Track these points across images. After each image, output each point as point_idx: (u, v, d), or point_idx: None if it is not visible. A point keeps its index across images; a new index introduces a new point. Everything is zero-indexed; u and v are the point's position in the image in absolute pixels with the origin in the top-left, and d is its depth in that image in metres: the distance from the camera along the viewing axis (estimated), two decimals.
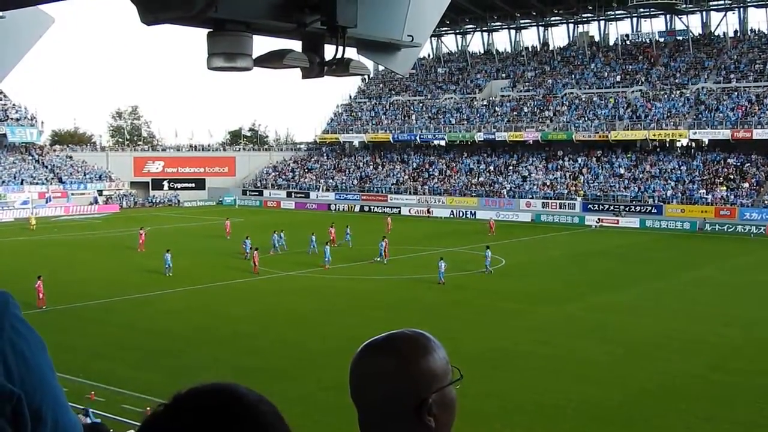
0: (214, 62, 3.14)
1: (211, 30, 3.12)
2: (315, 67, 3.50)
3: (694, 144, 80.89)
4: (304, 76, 3.55)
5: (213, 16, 2.99)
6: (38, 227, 67.83)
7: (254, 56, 3.25)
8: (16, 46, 5.70)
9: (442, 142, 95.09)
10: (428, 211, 79.78)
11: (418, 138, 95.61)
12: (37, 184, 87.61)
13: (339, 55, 3.48)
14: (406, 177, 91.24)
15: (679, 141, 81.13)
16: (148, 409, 20.60)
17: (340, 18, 3.29)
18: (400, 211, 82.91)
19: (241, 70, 3.17)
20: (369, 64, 4.52)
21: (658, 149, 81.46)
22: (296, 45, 3.52)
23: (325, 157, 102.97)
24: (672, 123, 78.98)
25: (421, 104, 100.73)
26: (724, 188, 70.60)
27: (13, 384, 1.40)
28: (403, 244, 53.99)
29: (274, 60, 3.31)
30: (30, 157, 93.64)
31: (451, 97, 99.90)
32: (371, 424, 1.69)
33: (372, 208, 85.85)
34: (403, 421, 1.66)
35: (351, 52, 3.70)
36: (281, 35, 3.47)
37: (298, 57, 3.37)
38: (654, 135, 79.53)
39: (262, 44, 3.34)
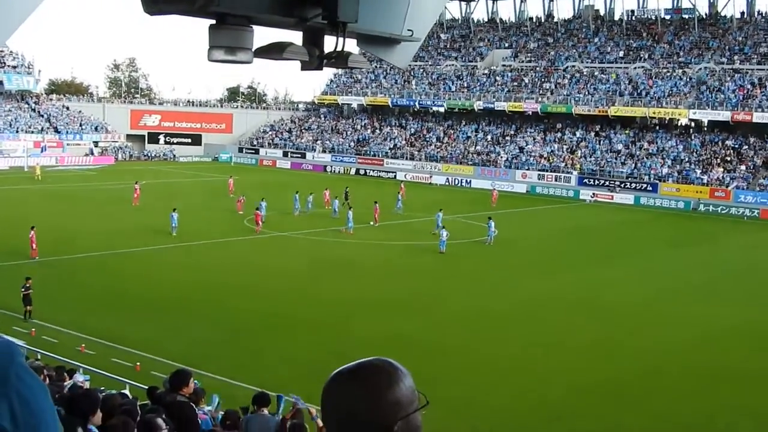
0: (215, 55, 3.18)
1: (213, 23, 3.16)
2: (314, 59, 3.54)
3: (693, 124, 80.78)
4: (303, 68, 3.60)
5: (215, 9, 3.03)
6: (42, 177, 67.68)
7: (254, 48, 3.29)
8: (21, 6, 5.69)
9: (441, 109, 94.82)
10: (430, 178, 79.56)
11: (417, 103, 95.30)
12: (32, 132, 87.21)
13: (339, 49, 3.52)
14: (404, 142, 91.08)
15: (678, 120, 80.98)
16: (138, 364, 20.81)
17: (341, 13, 3.32)
18: (395, 175, 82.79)
19: (242, 63, 3.22)
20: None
21: (657, 127, 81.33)
22: (297, 36, 3.56)
23: (323, 119, 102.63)
24: (672, 102, 78.77)
25: (421, 70, 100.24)
26: (721, 169, 70.65)
27: (18, 429, 1.52)
28: (404, 209, 54.16)
29: (274, 52, 3.35)
30: (26, 106, 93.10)
31: (453, 65, 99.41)
32: None
33: (368, 171, 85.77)
34: None
35: (351, 44, 3.74)
36: (282, 27, 3.51)
37: (298, 50, 3.42)
38: (654, 113, 79.34)
39: (263, 35, 3.38)
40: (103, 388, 13.78)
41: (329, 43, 3.58)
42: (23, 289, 25.66)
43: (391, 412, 1.77)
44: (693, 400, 20.72)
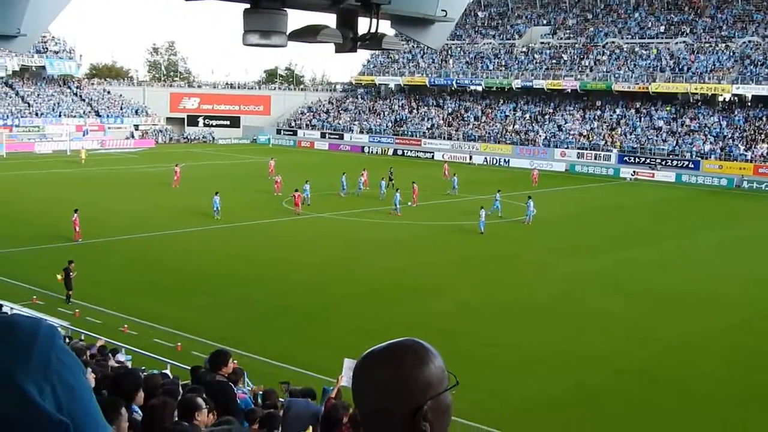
0: (250, 39, 3.20)
1: (248, 7, 3.18)
2: (348, 42, 3.54)
3: (736, 99, 79.33)
4: (338, 51, 3.61)
5: None
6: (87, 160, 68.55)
7: (289, 31, 3.30)
8: None
9: (479, 88, 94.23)
10: (470, 158, 79.00)
11: (454, 83, 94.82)
12: (74, 116, 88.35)
13: (372, 31, 3.52)
14: (441, 122, 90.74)
15: (721, 95, 79.59)
16: (179, 344, 21.09)
17: None
18: (433, 155, 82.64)
19: (276, 47, 3.24)
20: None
21: (699, 103, 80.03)
22: (331, 19, 3.56)
23: (360, 99, 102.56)
24: (715, 77, 77.46)
25: (459, 48, 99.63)
26: (766, 145, 69.43)
27: (62, 414, 1.52)
28: (443, 189, 54.09)
29: (308, 35, 3.36)
30: (68, 90, 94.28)
31: (490, 43, 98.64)
32: (372, 429, 1.81)
33: (405, 151, 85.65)
34: (401, 426, 1.78)
35: (385, 26, 3.73)
36: (316, 10, 3.52)
37: (332, 33, 3.42)
38: (696, 88, 78.06)
39: (297, 18, 3.39)
40: (144, 368, 14.01)
41: (363, 24, 3.58)
42: (65, 273, 25.96)
43: (421, 392, 1.78)
44: (733, 383, 20.47)
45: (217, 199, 41.39)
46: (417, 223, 42.47)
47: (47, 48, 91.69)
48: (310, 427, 9.78)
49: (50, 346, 1.56)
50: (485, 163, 78.76)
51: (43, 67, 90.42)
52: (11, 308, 20.71)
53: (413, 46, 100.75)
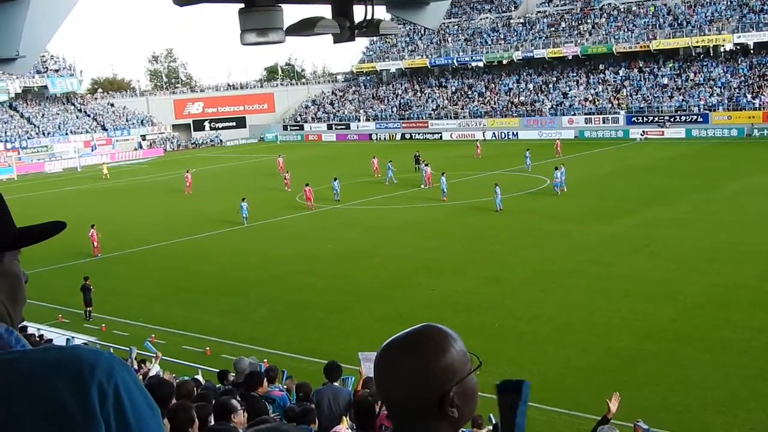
0: (247, 38, 3.20)
1: (242, 6, 3.17)
2: (345, 31, 3.53)
3: (739, 48, 78.61)
4: (336, 41, 3.59)
5: None
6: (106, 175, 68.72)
7: (286, 26, 3.30)
8: (57, 10, 5.79)
9: (480, 64, 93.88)
10: (483, 135, 77.89)
11: (455, 61, 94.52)
12: (81, 133, 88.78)
13: (369, 17, 3.51)
14: (446, 101, 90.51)
15: (723, 46, 78.91)
16: (208, 349, 21.20)
17: None
18: (441, 136, 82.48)
19: (274, 43, 3.23)
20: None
21: (702, 56, 79.43)
22: (326, 10, 3.55)
23: (363, 87, 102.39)
24: (715, 28, 76.81)
25: (456, 26, 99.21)
26: None
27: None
28: (459, 168, 53.92)
29: (305, 28, 3.35)
30: (72, 107, 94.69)
31: (487, 17, 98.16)
32: (399, 418, 1.82)
33: (413, 135, 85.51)
34: (428, 414, 1.79)
35: (380, 11, 3.71)
36: (310, 2, 3.51)
37: (329, 24, 3.41)
38: (697, 42, 77.44)
39: (293, 12, 3.39)
40: (174, 375, 14.09)
41: (359, 12, 3.56)
42: (83, 290, 25.96)
43: (446, 378, 1.78)
44: (765, 331, 20.36)
45: (245, 206, 40.17)
46: (431, 204, 42.41)
47: (47, 67, 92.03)
48: (344, 418, 9.80)
49: (109, 381, 1.53)
50: (494, 137, 78.31)
51: (46, 87, 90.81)
52: (38, 329, 20.87)
53: (410, 29, 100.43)
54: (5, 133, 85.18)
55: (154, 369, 13.42)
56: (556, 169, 43.56)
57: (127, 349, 16.90)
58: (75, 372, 1.52)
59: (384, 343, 1.86)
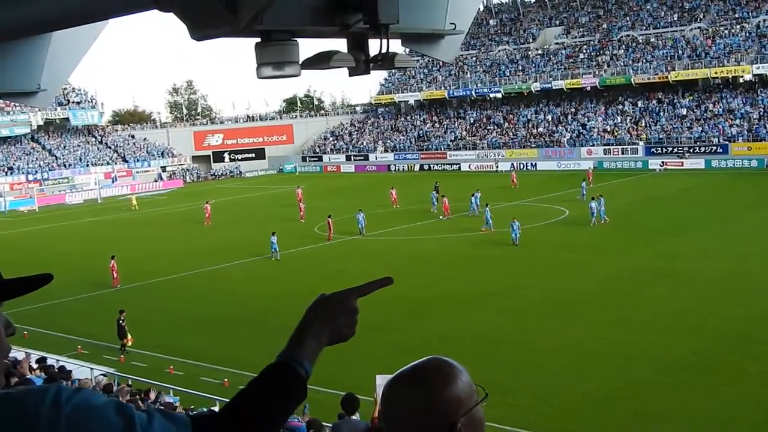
0: (264, 72, 3.24)
1: (259, 41, 3.22)
2: (361, 64, 3.58)
3: (758, 79, 78.35)
4: (351, 74, 3.64)
5: (259, 28, 3.09)
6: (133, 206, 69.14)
7: (301, 60, 3.34)
8: (78, 44, 5.88)
9: (499, 95, 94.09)
10: (495, 166, 78.35)
11: (473, 92, 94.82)
12: (101, 164, 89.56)
13: (384, 51, 3.55)
14: (464, 132, 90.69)
15: (742, 77, 78.73)
16: (226, 380, 21.17)
17: (382, 16, 3.34)
18: (460, 167, 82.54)
19: (290, 77, 3.28)
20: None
21: (721, 87, 79.26)
22: (341, 44, 3.60)
23: (382, 119, 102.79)
24: (734, 59, 76.66)
25: (474, 58, 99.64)
26: None
27: None
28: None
29: (321, 62, 3.40)
30: (93, 139, 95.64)
31: (505, 49, 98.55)
32: None
33: (432, 166, 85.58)
34: None
35: (395, 44, 3.76)
36: (326, 37, 3.56)
37: (344, 57, 3.45)
38: (716, 73, 77.29)
39: (308, 45, 3.44)
40: (192, 407, 14.09)
41: (374, 46, 3.60)
42: (118, 322, 26.02)
43: (453, 410, 1.80)
44: None
45: (275, 239, 39.36)
46: (450, 235, 42.39)
47: (69, 99, 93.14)
48: None
49: (57, 415, 1.52)
50: (513, 168, 77.93)
51: (67, 119, 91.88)
52: (56, 359, 20.94)
53: (429, 61, 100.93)
54: (27, 164, 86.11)
55: (169, 400, 13.42)
56: (593, 199, 43.38)
57: (145, 381, 16.94)
58: (21, 414, 1.52)
59: (391, 376, 1.88)
